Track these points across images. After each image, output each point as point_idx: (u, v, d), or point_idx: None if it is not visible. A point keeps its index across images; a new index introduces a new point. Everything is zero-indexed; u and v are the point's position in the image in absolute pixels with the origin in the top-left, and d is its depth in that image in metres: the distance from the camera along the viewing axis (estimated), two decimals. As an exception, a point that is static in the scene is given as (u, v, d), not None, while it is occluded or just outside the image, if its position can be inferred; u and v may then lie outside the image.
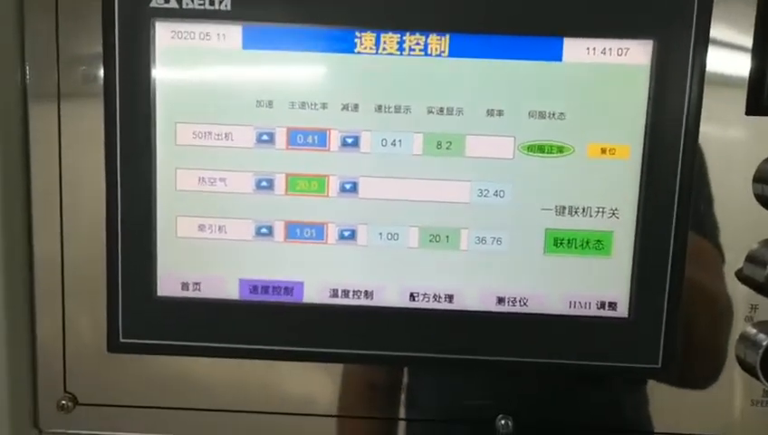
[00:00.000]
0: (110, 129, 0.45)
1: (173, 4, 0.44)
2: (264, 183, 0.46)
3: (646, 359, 0.46)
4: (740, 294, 0.46)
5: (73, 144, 0.46)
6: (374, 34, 0.44)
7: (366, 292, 0.47)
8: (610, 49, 0.44)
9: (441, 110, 0.45)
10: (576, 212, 0.46)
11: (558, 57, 0.44)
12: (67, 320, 0.47)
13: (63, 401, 0.48)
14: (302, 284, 0.47)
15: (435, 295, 0.47)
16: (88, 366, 0.48)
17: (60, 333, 0.47)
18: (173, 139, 0.46)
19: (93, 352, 0.47)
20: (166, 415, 0.48)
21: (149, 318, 0.47)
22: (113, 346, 0.47)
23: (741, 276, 0.46)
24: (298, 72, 0.45)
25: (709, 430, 0.48)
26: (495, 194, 0.46)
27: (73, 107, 0.46)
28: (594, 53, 0.44)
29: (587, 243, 0.46)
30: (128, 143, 0.45)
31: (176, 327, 0.47)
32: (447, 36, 0.44)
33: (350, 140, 0.45)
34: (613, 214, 0.45)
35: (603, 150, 0.45)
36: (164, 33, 0.45)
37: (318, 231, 0.46)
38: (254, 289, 0.47)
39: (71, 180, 0.46)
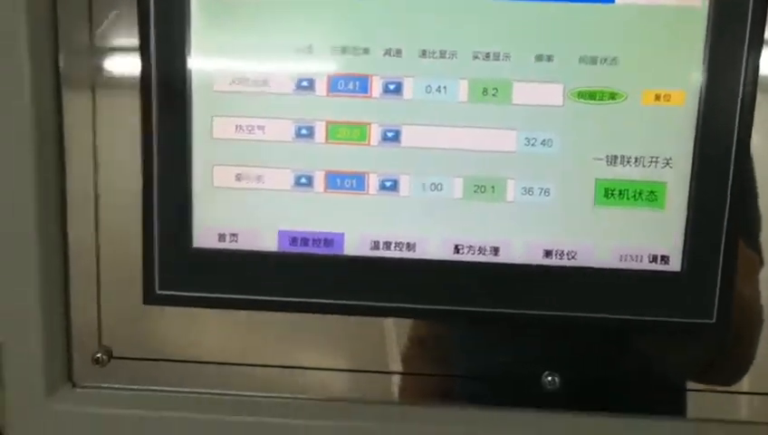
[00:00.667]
0: (146, 77, 0.45)
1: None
2: (303, 131, 0.46)
3: (699, 314, 0.46)
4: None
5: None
6: (418, -25, 0.44)
7: (408, 244, 0.46)
8: (666, -10, 0.43)
9: (487, 55, 0.44)
10: (628, 162, 0.45)
11: (611, -1, 0.44)
12: (102, 272, 0.47)
13: (98, 355, 0.48)
14: (342, 235, 0.47)
15: (480, 248, 0.46)
16: (123, 319, 0.48)
17: (95, 285, 0.48)
18: (210, 85, 0.45)
19: (129, 305, 0.47)
20: (202, 369, 0.48)
21: (186, 270, 0.47)
22: (149, 298, 0.47)
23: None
24: (338, 15, 0.45)
25: (761, 389, 0.47)
26: (543, 143, 0.45)
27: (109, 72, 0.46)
28: (649, -5, 0.43)
29: (639, 194, 0.45)
30: (163, 91, 0.45)
31: (212, 279, 0.47)
32: (495, -23, 0.44)
33: (392, 87, 0.45)
34: (667, 163, 0.45)
35: (657, 97, 0.44)
36: (200, -23, 0.44)
37: (359, 181, 0.46)
38: (294, 241, 0.47)
39: (106, 129, 0.46)
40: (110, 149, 0.47)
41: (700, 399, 0.47)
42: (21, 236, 0.46)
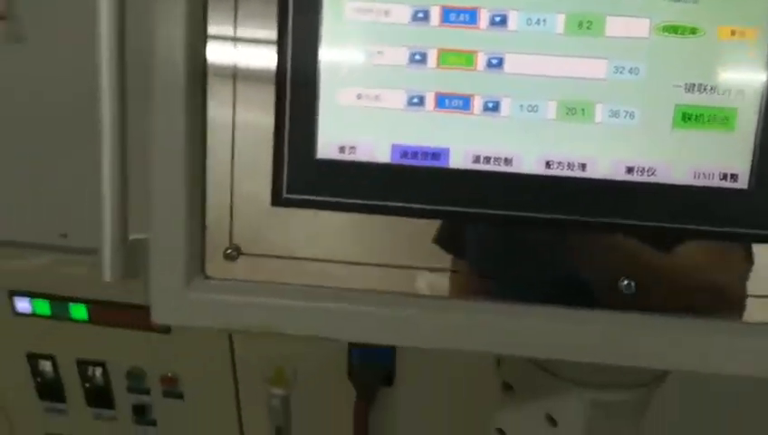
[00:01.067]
0: (283, 8, 0.52)
1: None
2: (417, 57, 0.52)
3: (763, 226, 0.52)
4: None
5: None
6: None
7: (506, 159, 0.53)
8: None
9: (583, -10, 0.51)
10: (704, 90, 0.51)
11: (696, -61, 0.50)
12: (235, 177, 0.55)
13: (229, 251, 0.55)
14: (448, 150, 0.53)
15: (569, 164, 0.53)
16: (252, 219, 0.55)
17: (228, 189, 0.55)
18: (339, 14, 0.52)
19: (258, 207, 0.55)
20: (323, 267, 0.55)
21: (310, 177, 0.54)
22: (277, 201, 0.55)
23: None
24: (453, -50, 0.51)
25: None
26: (630, 71, 0.52)
27: None
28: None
29: (713, 118, 0.51)
30: (298, 19, 0.52)
31: (332, 186, 0.54)
32: None
33: (498, 19, 0.52)
34: (739, 92, 0.51)
35: (733, 33, 0.51)
36: None
37: (465, 102, 0.53)
38: (405, 154, 0.54)
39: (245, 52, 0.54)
40: (247, 72, 0.54)
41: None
42: (173, 149, 0.53)
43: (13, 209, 1.26)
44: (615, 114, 0.52)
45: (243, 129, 0.54)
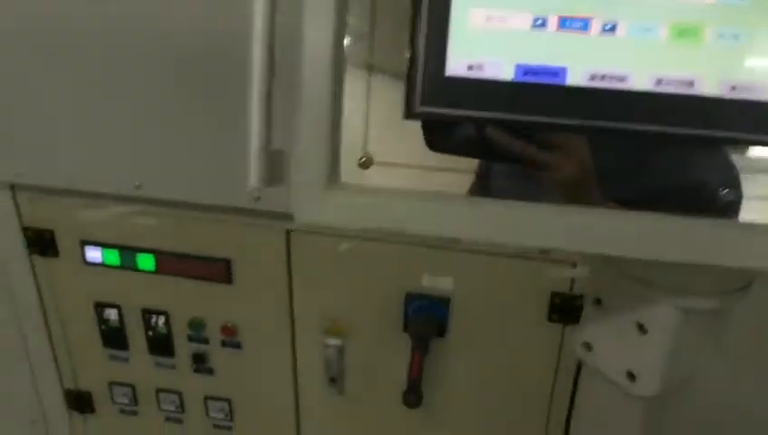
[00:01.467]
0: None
1: None
2: (543, -19, 0.58)
3: None
4: None
5: None
6: None
7: (620, 77, 0.59)
8: None
9: (697, -75, 0.56)
10: (807, 13, 0.57)
11: None
12: (372, 92, 0.60)
13: (363, 160, 0.61)
14: (566, 68, 0.59)
15: (677, 81, 0.58)
16: (386, 131, 0.61)
17: (365, 103, 0.60)
18: (470, -57, 0.58)
19: (391, 119, 0.60)
20: (447, 177, 0.61)
21: (440, 92, 0.60)
22: (410, 114, 0.60)
23: None
24: None
25: None
26: (737, -4, 0.57)
27: None
28: None
29: (813, 40, 0.57)
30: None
31: (460, 100, 0.60)
32: None
33: (618, -53, 0.57)
34: (840, 14, 0.56)
35: (834, -37, 0.56)
36: None
37: (584, 24, 0.58)
38: (527, 72, 0.59)
39: None
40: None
41: None
42: (320, 70, 0.59)
43: (89, 160, 1.32)
44: (722, 36, 0.58)
45: (377, 49, 0.60)
